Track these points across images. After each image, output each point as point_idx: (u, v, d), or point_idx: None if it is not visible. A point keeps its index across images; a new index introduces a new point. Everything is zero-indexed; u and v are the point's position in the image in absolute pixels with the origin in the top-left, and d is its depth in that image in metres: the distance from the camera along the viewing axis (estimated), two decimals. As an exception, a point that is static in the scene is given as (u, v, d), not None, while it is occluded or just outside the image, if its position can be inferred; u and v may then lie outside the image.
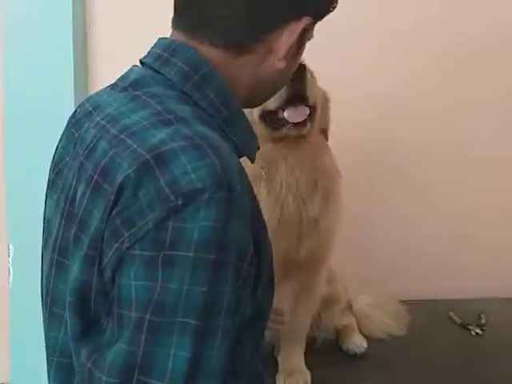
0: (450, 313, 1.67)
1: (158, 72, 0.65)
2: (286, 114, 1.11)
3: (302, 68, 1.06)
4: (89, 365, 0.53)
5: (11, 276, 1.80)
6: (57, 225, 0.60)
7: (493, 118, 2.00)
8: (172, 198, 0.50)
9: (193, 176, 0.50)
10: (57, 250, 0.60)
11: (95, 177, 0.55)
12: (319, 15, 0.72)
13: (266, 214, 1.16)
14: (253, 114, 1.14)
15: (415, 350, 1.41)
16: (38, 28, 1.92)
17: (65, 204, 0.59)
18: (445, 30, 1.96)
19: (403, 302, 1.62)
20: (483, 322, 1.60)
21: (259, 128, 1.15)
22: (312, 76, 1.19)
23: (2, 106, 1.92)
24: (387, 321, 1.52)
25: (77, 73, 2.09)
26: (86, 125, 0.63)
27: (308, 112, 1.11)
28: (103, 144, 0.57)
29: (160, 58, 0.65)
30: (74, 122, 0.68)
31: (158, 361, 0.48)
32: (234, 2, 0.65)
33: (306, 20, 0.68)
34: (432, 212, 2.09)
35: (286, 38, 0.67)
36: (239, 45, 0.66)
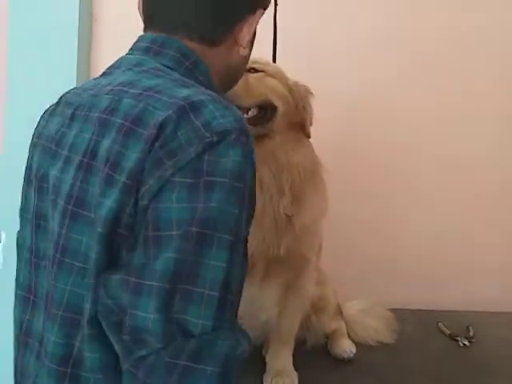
0: (439, 323, 1.68)
1: (154, 58, 0.73)
2: None
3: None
4: (125, 284, 0.57)
5: (1, 263, 1.79)
6: (71, 180, 0.64)
7: (475, 118, 2.01)
8: (207, 135, 0.59)
9: (222, 120, 0.61)
10: (72, 201, 0.64)
11: (127, 124, 0.61)
12: (267, 5, 0.86)
13: None
14: None
15: (403, 358, 1.41)
16: (43, 23, 1.92)
17: (82, 159, 0.64)
18: (430, 25, 1.96)
19: (393, 310, 1.62)
20: (471, 334, 1.61)
21: None
22: (268, 74, 1.19)
23: (4, 103, 1.92)
24: (377, 327, 1.52)
25: (80, 68, 2.10)
26: (90, 98, 0.69)
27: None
28: (128, 100, 0.64)
29: (150, 50, 0.74)
30: (65, 102, 0.74)
31: (201, 270, 0.56)
32: (201, 5, 0.77)
33: (259, 12, 0.83)
34: (426, 223, 2.10)
35: (246, 30, 0.81)
36: (211, 39, 0.78)
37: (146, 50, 0.74)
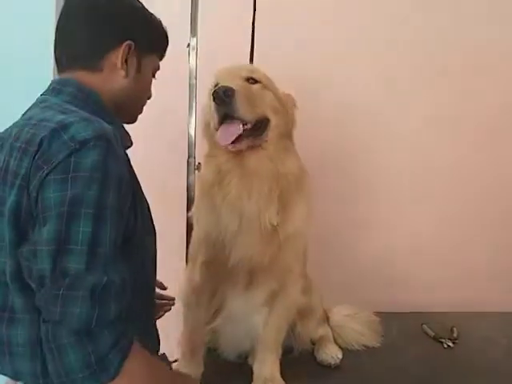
0: (424, 325, 1.70)
1: (56, 97, 1.00)
2: (217, 136, 1.16)
3: (229, 92, 1.11)
4: (32, 252, 0.84)
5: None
6: None
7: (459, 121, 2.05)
8: (72, 144, 0.84)
9: (83, 133, 0.85)
10: None
11: (23, 145, 0.88)
12: (145, 44, 1.07)
13: (224, 220, 1.18)
14: (210, 127, 1.22)
15: (389, 360, 1.42)
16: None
17: (1, 173, 0.92)
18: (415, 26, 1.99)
19: (378, 313, 1.63)
20: (455, 335, 1.63)
21: (217, 138, 1.19)
22: (266, 86, 1.22)
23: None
24: (362, 332, 1.53)
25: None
26: (10, 129, 0.97)
27: (238, 133, 1.14)
28: (27, 129, 0.91)
29: (54, 90, 1.01)
30: None
31: (73, 234, 0.81)
32: (80, 38, 1.03)
33: (126, 44, 1.03)
34: (408, 226, 2.13)
35: (114, 59, 1.03)
36: (91, 65, 1.03)
37: (52, 90, 1.01)
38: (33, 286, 0.85)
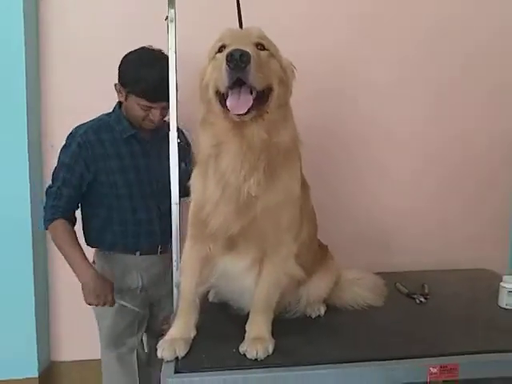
0: (397, 284, 1.82)
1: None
2: (228, 103, 1.11)
3: (244, 58, 1.05)
4: None
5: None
6: None
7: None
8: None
9: (80, 131, 1.73)
10: None
11: None
12: (129, 88, 1.71)
13: (209, 190, 1.21)
14: (209, 91, 1.18)
15: (367, 316, 1.53)
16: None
17: None
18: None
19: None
20: (426, 291, 1.76)
21: (215, 105, 1.17)
22: (272, 54, 1.19)
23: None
24: (365, 296, 1.61)
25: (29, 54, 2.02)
26: None
27: (251, 101, 1.10)
28: None
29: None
30: None
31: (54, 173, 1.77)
32: None
33: (119, 86, 1.73)
34: (379, 191, 2.24)
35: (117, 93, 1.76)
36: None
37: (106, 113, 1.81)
38: None
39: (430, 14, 2.16)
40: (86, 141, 1.69)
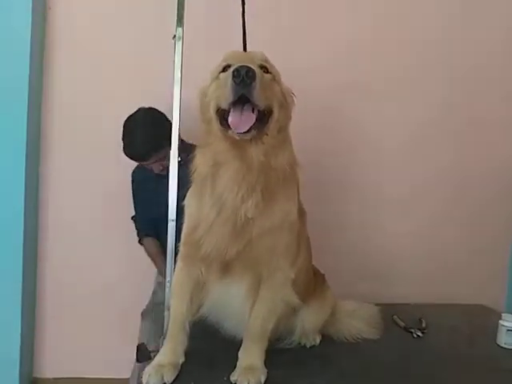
0: (394, 316, 1.78)
1: None
2: (230, 120, 1.11)
3: (250, 74, 1.06)
4: None
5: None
6: None
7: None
8: None
9: None
10: None
11: None
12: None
13: (205, 211, 1.18)
14: (210, 110, 1.17)
15: (363, 349, 1.48)
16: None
17: None
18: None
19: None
20: (423, 325, 1.72)
21: (215, 124, 1.16)
22: (275, 78, 1.19)
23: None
24: (361, 329, 1.58)
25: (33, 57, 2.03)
26: None
27: (254, 120, 1.10)
28: None
29: None
30: None
31: None
32: None
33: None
34: (387, 226, 2.22)
35: None
36: None
37: None
38: None
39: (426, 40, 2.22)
40: None
